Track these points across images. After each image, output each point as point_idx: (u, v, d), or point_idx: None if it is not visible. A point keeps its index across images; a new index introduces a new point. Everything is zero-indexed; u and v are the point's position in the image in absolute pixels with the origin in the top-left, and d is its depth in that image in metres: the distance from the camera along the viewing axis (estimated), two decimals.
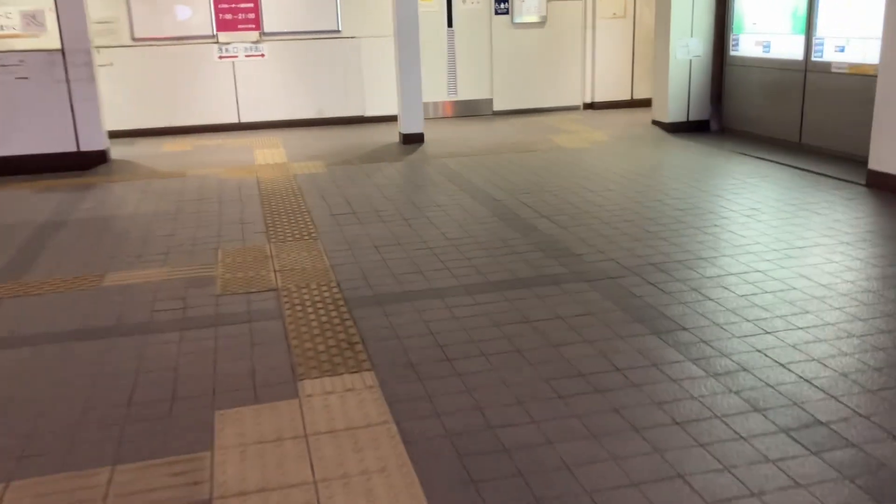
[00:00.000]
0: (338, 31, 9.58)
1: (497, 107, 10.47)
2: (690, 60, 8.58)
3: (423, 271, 4.28)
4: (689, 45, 8.54)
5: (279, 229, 5.19)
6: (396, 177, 6.86)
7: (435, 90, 10.08)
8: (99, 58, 8.65)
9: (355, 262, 4.46)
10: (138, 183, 6.81)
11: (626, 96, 10.69)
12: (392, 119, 9.89)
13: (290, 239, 4.96)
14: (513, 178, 6.58)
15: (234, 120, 9.53)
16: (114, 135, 8.90)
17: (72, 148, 7.37)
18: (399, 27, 8.02)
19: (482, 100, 10.44)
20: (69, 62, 7.19)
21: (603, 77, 10.53)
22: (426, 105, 9.50)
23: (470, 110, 10.42)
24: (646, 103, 10.63)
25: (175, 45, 9.12)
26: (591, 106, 10.67)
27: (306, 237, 5.00)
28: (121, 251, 4.80)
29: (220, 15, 9.15)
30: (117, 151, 8.24)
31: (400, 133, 8.43)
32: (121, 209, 5.89)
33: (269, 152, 8.07)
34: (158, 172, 7.24)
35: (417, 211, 5.60)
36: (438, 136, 8.74)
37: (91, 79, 7.29)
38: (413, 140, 8.33)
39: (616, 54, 10.49)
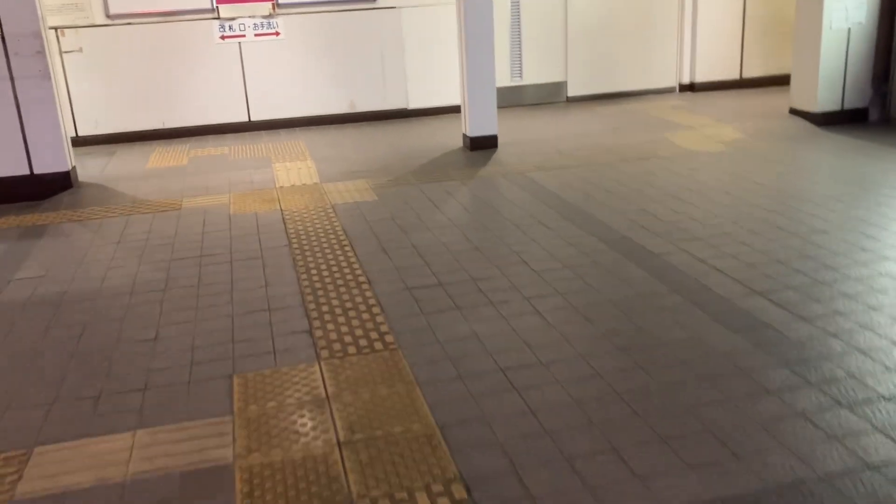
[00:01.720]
0: (373, 0, 7.55)
1: (572, 91, 8.43)
2: (849, 29, 6.52)
3: (616, 445, 2.33)
4: (847, 8, 6.47)
5: (330, 326, 3.23)
6: (477, 206, 4.89)
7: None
8: (63, 42, 6.66)
9: (480, 416, 2.51)
10: (112, 224, 4.86)
11: (733, 75, 8.63)
12: (441, 113, 7.88)
13: (352, 351, 3.01)
14: (649, 207, 4.59)
15: (243, 119, 7.54)
16: (86, 143, 6.95)
17: (21, 171, 5.42)
18: None
19: (554, 83, 8.41)
20: (12, 52, 5.21)
21: (706, 52, 8.46)
22: None
23: (539, 97, 8.39)
24: (758, 84, 8.58)
25: (163, 22, 7.12)
26: (689, 88, 8.62)
27: (377, 344, 3.05)
28: (66, 391, 2.86)
29: None
30: (89, 169, 6.28)
31: (465, 136, 6.43)
32: (79, 281, 3.95)
33: (292, 166, 6.09)
34: (142, 203, 5.28)
35: (536, 277, 3.63)
36: (511, 136, 6.73)
37: (45, 74, 5.31)
38: (483, 144, 6.33)
39: (723, 23, 8.41)
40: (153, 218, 4.95)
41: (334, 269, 3.88)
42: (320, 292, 3.59)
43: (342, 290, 3.61)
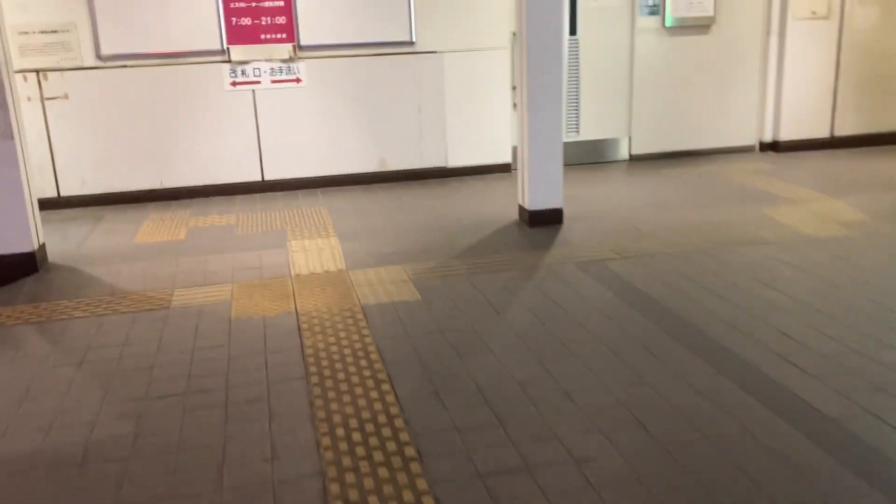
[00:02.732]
0: (411, 44, 6.53)
1: (636, 149, 7.35)
2: None
3: None
4: None
5: None
6: (549, 313, 3.77)
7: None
8: (46, 87, 5.69)
9: None
10: (79, 328, 3.79)
11: (822, 133, 7.52)
12: (485, 172, 6.83)
13: None
14: (781, 324, 3.44)
15: (256, 178, 6.51)
16: (70, 204, 5.93)
17: None
18: (530, 31, 4.93)
19: (614, 140, 7.34)
20: None
21: (793, 106, 7.37)
22: None
23: (597, 154, 7.32)
24: (851, 144, 7.47)
25: (164, 65, 6.13)
26: (772, 147, 7.52)
27: None
28: None
29: (233, 19, 6.15)
30: (66, 240, 5.24)
31: (522, 208, 5.33)
32: (9, 438, 2.84)
33: (311, 245, 5.01)
34: (122, 296, 4.21)
35: (669, 459, 2.48)
36: (575, 206, 5.63)
37: (6, 132, 4.29)
38: (545, 220, 5.23)
39: (813, 72, 7.32)
40: (133, 321, 3.86)
41: (368, 426, 2.76)
42: (348, 474, 2.46)
43: (381, 470, 2.48)
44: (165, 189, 6.34)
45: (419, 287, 4.21)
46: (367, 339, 3.55)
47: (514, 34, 6.78)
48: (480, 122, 6.81)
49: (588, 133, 7.24)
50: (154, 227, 5.58)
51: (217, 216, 5.83)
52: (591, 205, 5.80)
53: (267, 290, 4.25)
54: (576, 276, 4.31)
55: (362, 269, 4.53)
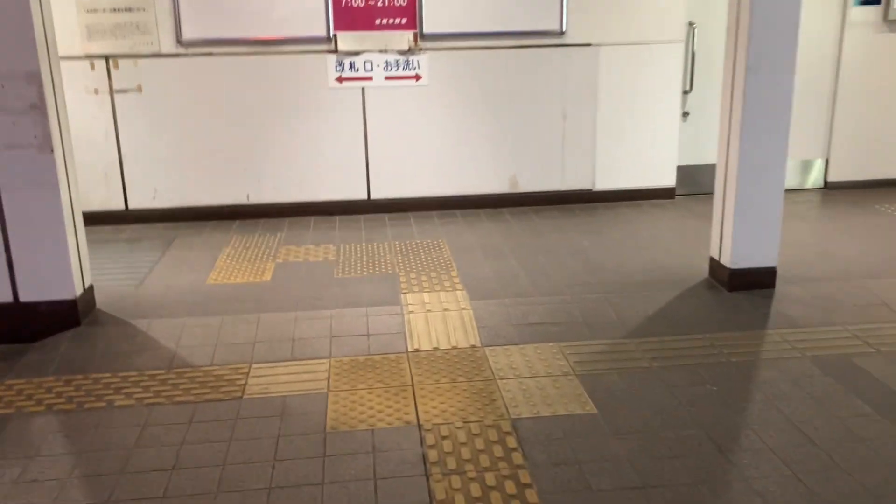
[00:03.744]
0: (559, 34, 5.24)
1: (834, 174, 5.85)
2: None
3: None
4: None
5: None
6: (798, 449, 2.45)
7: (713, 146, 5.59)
8: (116, 77, 4.70)
9: None
10: (115, 428, 2.73)
11: None
12: (641, 198, 5.49)
13: None
14: None
15: (361, 196, 5.37)
16: (139, 219, 4.96)
17: (2, 298, 3.36)
18: (756, 18, 3.56)
19: (805, 162, 5.86)
20: None
21: None
22: (696, 174, 4.96)
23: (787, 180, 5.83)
24: None
25: (256, 54, 5.04)
26: None
27: None
28: None
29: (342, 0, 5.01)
30: (124, 276, 4.21)
31: (716, 262, 3.97)
32: None
33: (433, 301, 3.81)
34: (180, 373, 3.12)
35: None
36: (783, 258, 4.21)
37: (44, 143, 3.24)
38: (751, 282, 3.86)
39: None
40: (191, 417, 2.77)
41: None
42: None
43: None
44: (252, 205, 5.28)
45: (590, 388, 2.95)
46: (529, 492, 2.32)
47: (690, 24, 5.39)
48: (640, 135, 5.46)
49: None
50: (234, 258, 4.50)
51: (312, 247, 4.70)
52: (804, 257, 4.38)
53: (376, 375, 3.07)
54: (819, 384, 2.96)
55: (503, 348, 3.30)
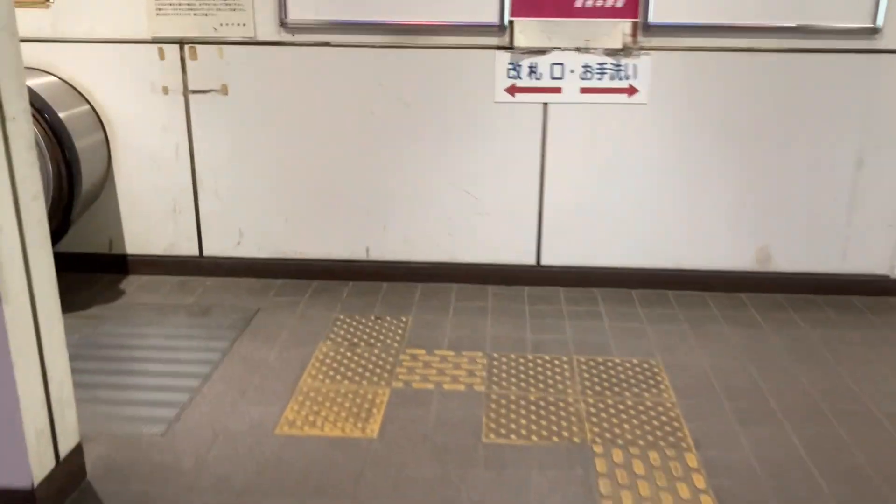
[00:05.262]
0: (870, 32, 3.29)
1: None
2: None
3: None
4: None
5: None
6: None
7: None
8: (191, 72, 3.25)
9: None
10: None
11: None
12: None
13: None
14: None
15: (526, 260, 3.69)
16: (215, 271, 3.51)
17: None
18: None
19: None
20: None
21: None
22: None
23: None
24: None
25: (391, 47, 3.43)
26: None
27: None
28: None
29: None
30: (149, 409, 2.75)
31: None
32: None
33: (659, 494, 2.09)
34: None
35: None
36: None
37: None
38: None
39: None
40: None
41: None
42: None
43: None
44: (372, 262, 3.72)
45: None
46: None
47: None
48: None
49: None
50: (332, 365, 2.94)
51: (450, 355, 3.05)
52: None
53: None
54: None
55: None
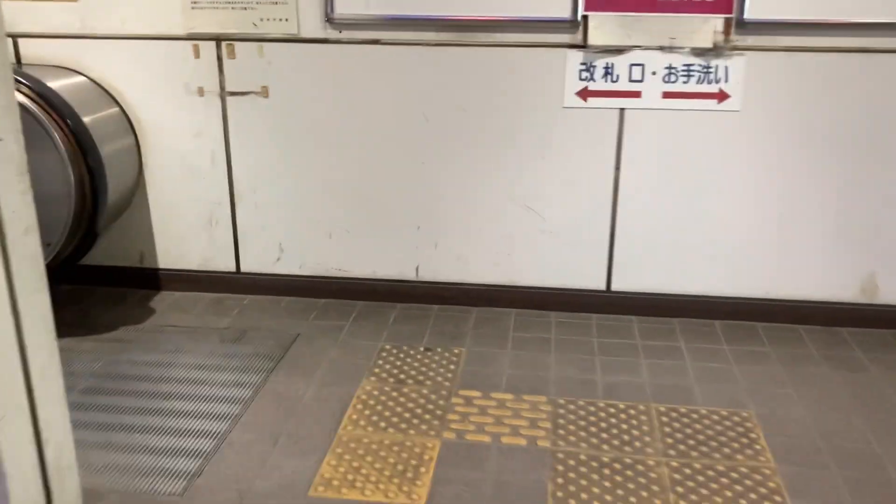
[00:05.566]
0: None
1: None
2: None
3: None
4: None
5: None
6: None
7: None
8: (228, 72, 2.94)
9: None
10: None
11: None
12: None
13: None
14: None
15: (595, 285, 3.30)
16: (255, 288, 3.22)
17: None
18: None
19: None
20: None
21: None
22: None
23: None
24: None
25: (448, 46, 3.07)
26: None
27: None
28: None
29: None
30: (170, 459, 2.45)
31: None
32: None
33: None
34: None
35: None
36: None
37: None
38: None
39: None
40: None
41: None
42: None
43: None
44: (422, 284, 3.37)
45: None
46: None
47: None
48: None
49: None
50: (376, 406, 2.61)
51: (509, 399, 2.69)
52: None
53: None
54: None
55: None
